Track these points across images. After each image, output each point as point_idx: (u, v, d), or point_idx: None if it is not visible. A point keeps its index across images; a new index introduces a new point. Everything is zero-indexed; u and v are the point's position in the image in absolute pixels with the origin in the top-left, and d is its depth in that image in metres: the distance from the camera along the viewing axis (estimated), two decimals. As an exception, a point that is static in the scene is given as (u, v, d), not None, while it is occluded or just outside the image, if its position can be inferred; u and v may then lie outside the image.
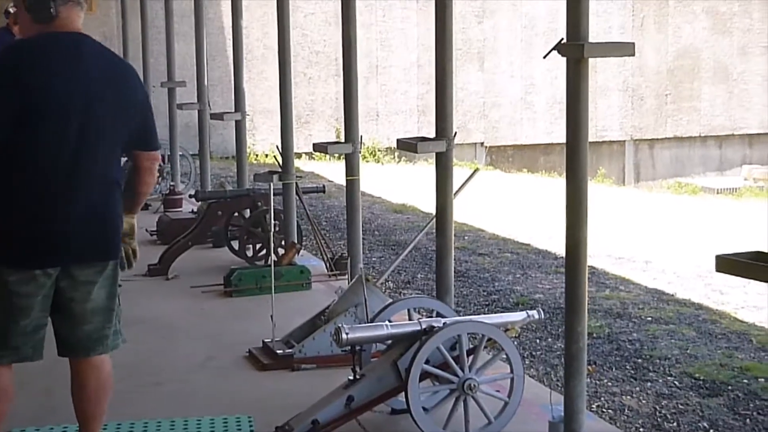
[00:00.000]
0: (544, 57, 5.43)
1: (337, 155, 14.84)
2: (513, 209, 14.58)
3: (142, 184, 4.71)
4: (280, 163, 9.08)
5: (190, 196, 11.24)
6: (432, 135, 6.68)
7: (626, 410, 6.45)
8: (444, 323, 5.20)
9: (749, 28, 22.92)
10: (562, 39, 5.04)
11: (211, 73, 13.90)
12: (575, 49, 4.96)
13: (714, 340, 7.83)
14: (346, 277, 8.11)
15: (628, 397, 6.68)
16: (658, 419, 6.31)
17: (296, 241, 8.95)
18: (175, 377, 6.33)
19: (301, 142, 18.31)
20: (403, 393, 5.06)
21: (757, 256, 3.76)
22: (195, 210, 10.60)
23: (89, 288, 4.44)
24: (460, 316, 6.05)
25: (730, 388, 6.78)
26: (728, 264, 3.83)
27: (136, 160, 4.66)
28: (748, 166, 22.81)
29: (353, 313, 6.07)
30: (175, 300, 8.19)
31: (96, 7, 19.01)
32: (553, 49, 5.05)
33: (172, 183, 12.63)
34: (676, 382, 6.90)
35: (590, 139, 5.19)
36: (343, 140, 8.21)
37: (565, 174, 5.20)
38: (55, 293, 4.38)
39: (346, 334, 5.10)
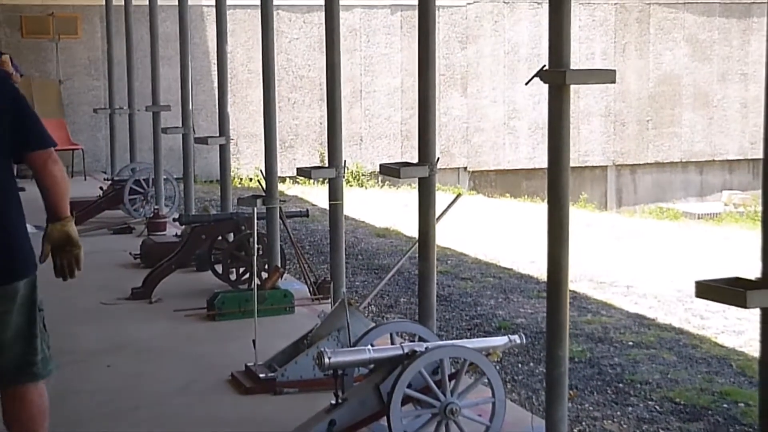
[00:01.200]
0: (527, 83, 5.49)
1: (321, 179, 14.88)
2: (495, 234, 14.62)
3: (47, 185, 4.31)
4: (264, 187, 9.10)
5: (174, 220, 11.24)
6: (415, 159, 6.72)
7: (607, 434, 6.48)
8: (426, 347, 5.22)
9: (728, 55, 23.10)
10: (545, 65, 5.10)
11: (196, 98, 13.96)
12: (557, 75, 5.01)
13: (694, 364, 7.87)
14: (329, 301, 8.12)
15: (610, 421, 6.71)
16: (639, 443, 6.34)
17: (279, 265, 8.96)
18: (157, 401, 6.32)
19: (285, 166, 18.38)
20: (385, 417, 5.08)
21: (736, 282, 3.80)
22: (179, 233, 10.61)
23: (5, 318, 4.21)
24: (442, 340, 6.07)
25: (710, 412, 6.82)
26: (708, 289, 3.87)
27: (30, 163, 4.30)
28: (728, 192, 22.96)
29: (336, 337, 6.09)
30: (158, 323, 8.18)
31: (81, 32, 19.06)
32: (536, 75, 5.10)
33: (156, 206, 12.64)
34: (657, 407, 6.94)
35: (572, 164, 5.24)
36: (326, 165, 8.24)
37: (547, 199, 5.25)
38: None
39: (329, 358, 5.12)
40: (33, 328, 4.31)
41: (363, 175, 20.58)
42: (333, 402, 5.20)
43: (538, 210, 16.99)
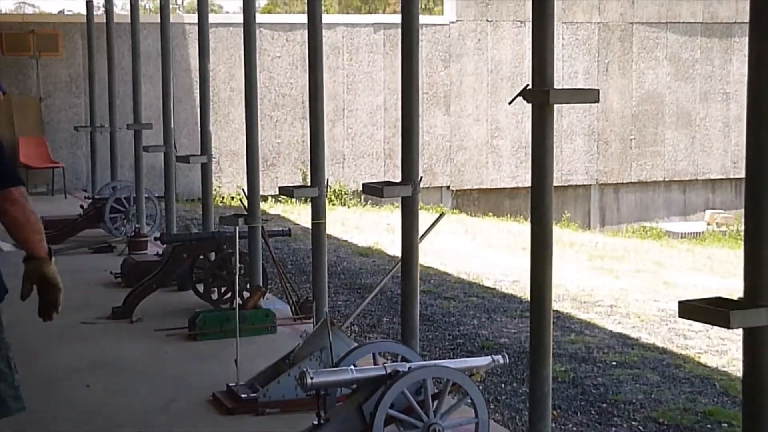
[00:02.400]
0: (510, 103, 5.49)
1: (303, 198, 14.86)
2: (479, 253, 14.60)
3: (7, 227, 4.05)
4: (246, 206, 9.06)
5: (156, 239, 11.19)
6: (398, 178, 6.70)
7: (591, 455, 6.45)
8: (409, 368, 5.19)
9: (710, 74, 23.21)
10: (528, 85, 5.09)
11: (177, 116, 13.93)
12: (540, 95, 5.01)
13: (678, 384, 7.85)
14: (312, 320, 8.09)
15: (593, 441, 6.69)
16: (623, 464, 6.31)
17: (261, 285, 8.92)
18: (137, 421, 6.27)
19: (267, 185, 18.35)
20: (368, 438, 5.04)
21: (719, 302, 3.79)
22: (160, 252, 10.55)
23: None
24: (425, 360, 6.04)
25: (693, 432, 6.81)
26: (691, 310, 3.86)
27: None
28: (710, 211, 23.03)
29: (318, 357, 6.05)
30: (139, 343, 8.13)
31: (62, 49, 19.01)
32: (519, 95, 5.10)
33: (137, 225, 12.59)
34: (641, 427, 6.91)
35: (555, 183, 5.23)
36: (309, 183, 8.21)
37: (530, 218, 5.23)
38: None
39: (311, 378, 5.08)
40: None
41: (345, 193, 20.56)
42: (315, 422, 5.16)
43: (522, 229, 17.01)
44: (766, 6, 3.70)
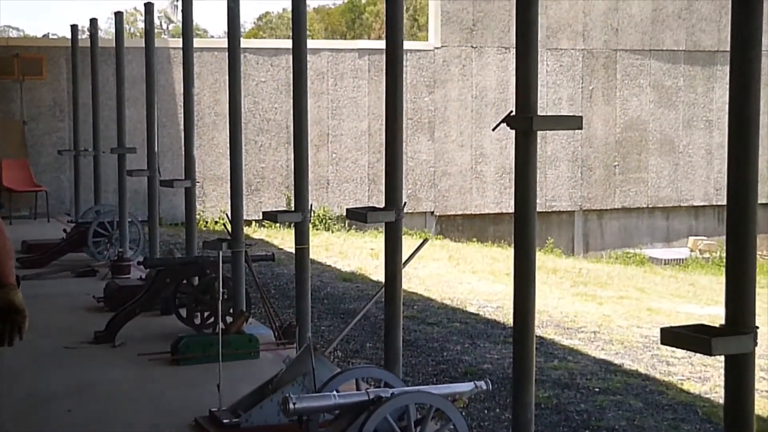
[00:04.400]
0: (494, 129, 5.50)
1: (287, 223, 14.86)
2: (462, 279, 14.61)
3: None
4: (230, 230, 9.05)
5: (139, 263, 11.16)
6: (382, 203, 6.71)
7: (574, 482, 6.44)
8: (392, 393, 5.18)
9: (693, 102, 23.35)
10: (512, 111, 5.11)
11: (162, 140, 13.92)
12: (524, 121, 5.03)
13: (661, 411, 7.86)
14: (295, 345, 8.07)
15: (576, 468, 6.68)
16: (606, 491, 6.30)
17: (244, 309, 8.90)
18: (120, 447, 6.24)
19: (251, 210, 18.34)
20: (351, 464, 5.03)
21: (701, 329, 3.81)
22: (143, 276, 10.53)
23: None
24: (408, 386, 6.03)
25: (676, 459, 6.81)
26: (673, 336, 3.88)
27: None
28: (693, 238, 23.11)
29: (301, 382, 6.04)
30: (122, 367, 8.09)
31: (46, 73, 19.00)
32: (503, 121, 5.12)
33: (120, 249, 12.56)
34: (624, 454, 6.91)
35: (539, 209, 5.25)
36: (293, 208, 8.21)
37: (513, 245, 5.24)
38: None
39: (294, 403, 5.07)
40: None
41: (329, 218, 20.56)
42: (297, 449, 5.14)
43: (505, 255, 17.02)
44: (746, 36, 3.73)
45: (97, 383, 7.63)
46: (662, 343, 3.91)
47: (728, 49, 3.83)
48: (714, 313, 11.43)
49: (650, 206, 23.29)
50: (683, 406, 8.00)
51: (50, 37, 22.47)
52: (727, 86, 3.85)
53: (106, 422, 6.72)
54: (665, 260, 21.40)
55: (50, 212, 17.66)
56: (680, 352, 9.27)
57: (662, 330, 3.90)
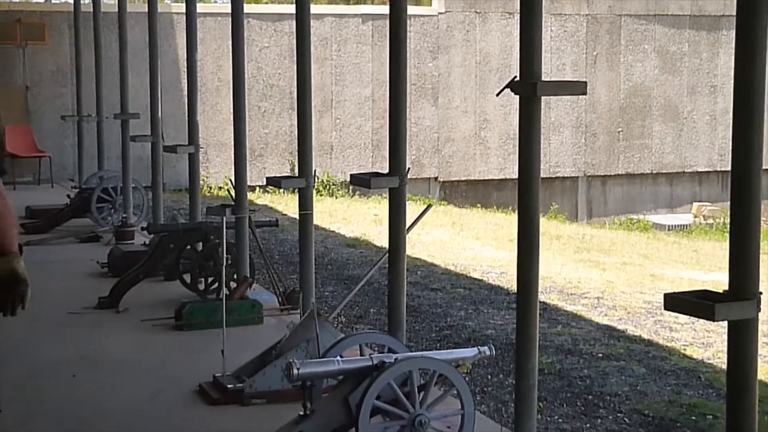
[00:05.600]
0: (497, 95, 5.49)
1: (290, 189, 14.86)
2: (466, 244, 14.62)
3: None
4: (234, 196, 9.05)
5: (143, 229, 11.15)
6: (386, 169, 6.70)
7: (576, 447, 6.47)
8: (395, 359, 5.19)
9: (698, 68, 23.26)
10: (515, 77, 5.09)
11: (165, 106, 13.88)
12: (528, 87, 5.01)
13: (663, 377, 7.88)
14: (298, 311, 8.09)
15: (579, 433, 6.70)
16: (608, 456, 6.33)
17: (248, 275, 8.91)
18: (123, 412, 6.26)
19: (254, 176, 18.31)
20: (354, 429, 5.04)
21: (705, 294, 3.81)
22: (147, 242, 10.53)
23: None
24: (411, 351, 6.04)
25: (678, 425, 6.83)
26: (677, 302, 3.89)
27: None
28: (697, 203, 23.09)
29: (305, 348, 6.05)
30: (125, 333, 8.12)
31: (48, 38, 18.94)
32: (506, 86, 5.10)
33: (124, 215, 12.55)
34: (626, 419, 6.93)
35: (543, 175, 5.24)
36: (296, 174, 8.21)
37: (517, 211, 5.24)
38: None
39: (297, 369, 5.08)
40: None
41: (333, 184, 20.56)
42: (301, 413, 5.16)
43: (509, 221, 17.03)
44: (753, 0, 3.72)
45: (100, 349, 7.65)
46: (666, 308, 3.92)
47: (733, 14, 3.81)
48: (717, 279, 11.44)
49: (654, 172, 23.25)
50: (686, 372, 8.02)
51: (52, 2, 22.37)
52: (732, 52, 3.84)
53: (109, 388, 6.74)
54: (669, 226, 21.38)
55: (53, 178, 17.67)
56: (683, 318, 9.28)
57: (666, 296, 3.90)
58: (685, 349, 8.79)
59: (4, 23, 18.70)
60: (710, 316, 3.76)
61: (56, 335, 8.03)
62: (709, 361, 8.39)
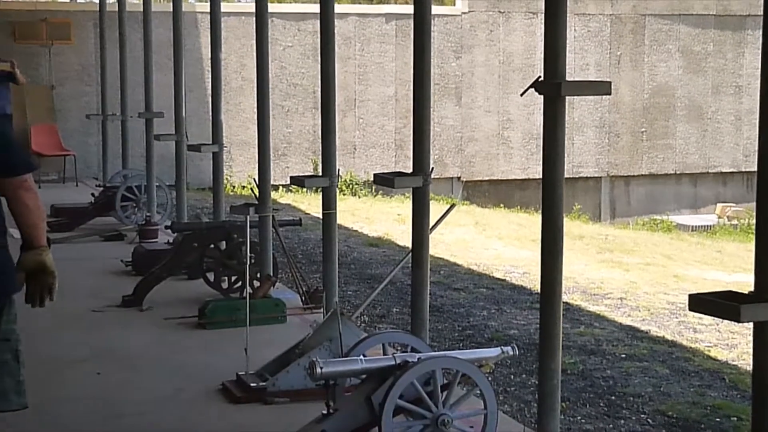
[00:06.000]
0: (522, 94, 5.49)
1: (313, 188, 14.87)
2: (488, 244, 14.60)
3: (17, 213, 4.08)
4: (257, 195, 9.07)
5: (166, 227, 11.20)
6: (409, 169, 6.70)
7: (599, 447, 6.45)
8: (418, 358, 5.19)
9: (722, 67, 23.15)
10: (540, 77, 5.09)
11: (188, 105, 13.91)
12: (552, 87, 5.00)
13: (687, 377, 7.85)
14: (321, 310, 8.10)
15: (602, 434, 6.68)
16: (631, 457, 6.31)
17: (271, 274, 8.93)
18: (145, 409, 6.28)
19: (277, 175, 18.35)
20: (377, 428, 5.04)
21: (730, 295, 3.79)
22: (170, 241, 10.57)
23: None
24: (434, 351, 6.04)
25: (702, 426, 6.80)
26: (701, 303, 3.86)
27: (2, 190, 4.09)
28: (721, 204, 22.98)
29: (328, 347, 6.06)
30: (149, 331, 8.15)
31: (74, 38, 19.02)
32: (531, 86, 5.10)
33: (147, 214, 12.60)
34: (649, 420, 6.91)
35: (566, 175, 5.23)
36: (320, 173, 8.21)
37: (541, 210, 5.23)
38: None
39: (321, 368, 5.08)
40: None
41: (356, 184, 20.56)
42: (324, 412, 5.17)
43: (531, 221, 16.99)
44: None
45: (123, 347, 7.69)
46: (690, 309, 3.90)
47: (759, 13, 3.79)
48: (741, 281, 11.38)
49: (677, 173, 23.15)
50: (710, 373, 7.99)
51: (78, 1, 22.47)
52: (758, 51, 3.82)
53: (132, 385, 6.77)
54: (692, 227, 21.29)
55: (78, 176, 17.74)
56: (707, 319, 9.24)
57: (690, 296, 3.88)
58: (709, 351, 8.75)
59: (31, 23, 18.79)
60: (736, 318, 3.73)
61: (80, 332, 8.07)
62: (734, 363, 8.35)
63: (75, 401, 6.44)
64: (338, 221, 8.40)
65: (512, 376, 7.78)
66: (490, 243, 14.78)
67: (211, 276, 9.24)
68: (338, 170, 8.13)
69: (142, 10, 13.82)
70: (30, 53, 18.78)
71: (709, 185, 23.47)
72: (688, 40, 22.89)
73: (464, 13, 21.41)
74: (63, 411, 6.22)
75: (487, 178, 21.88)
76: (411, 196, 6.70)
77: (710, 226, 21.52)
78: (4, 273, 4.10)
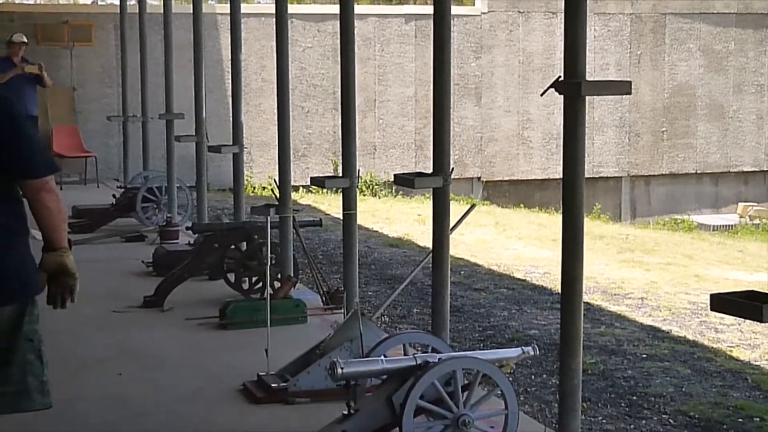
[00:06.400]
0: (542, 94, 5.48)
1: (333, 189, 14.89)
2: (509, 244, 14.58)
3: (39, 216, 4.11)
4: (277, 196, 9.08)
5: (187, 228, 11.22)
6: (429, 169, 6.70)
7: (621, 448, 6.44)
8: (439, 359, 5.19)
9: (744, 66, 23.04)
10: (560, 76, 5.08)
11: (208, 106, 13.94)
12: (573, 87, 4.99)
13: (709, 378, 7.82)
14: (342, 311, 8.10)
15: (623, 434, 6.67)
16: (653, 457, 6.29)
17: (292, 275, 8.94)
18: (166, 409, 6.30)
19: (298, 175, 18.36)
20: (397, 428, 5.05)
21: (752, 295, 3.78)
22: (191, 242, 10.59)
23: None
24: (455, 351, 6.04)
25: (724, 427, 6.77)
26: (723, 303, 3.85)
27: (23, 191, 4.12)
28: (743, 203, 22.88)
29: (348, 347, 6.06)
30: (170, 332, 8.17)
31: (95, 40, 19.10)
32: (551, 86, 5.09)
33: (168, 215, 12.64)
34: (671, 420, 6.89)
35: (586, 175, 5.22)
36: (340, 174, 8.22)
37: (562, 210, 5.22)
38: None
39: (342, 368, 5.09)
40: (9, 356, 4.07)
41: (376, 184, 20.57)
42: (345, 413, 5.17)
43: (552, 221, 16.97)
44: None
45: (145, 347, 7.71)
46: (712, 309, 3.89)
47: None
48: (763, 280, 11.33)
49: (698, 172, 23.07)
50: (732, 374, 7.96)
51: (99, 3, 22.56)
52: (780, 50, 3.80)
53: (153, 385, 6.79)
54: (713, 226, 21.20)
55: (99, 178, 17.80)
56: (729, 319, 9.20)
57: (712, 296, 3.87)
58: (731, 351, 8.72)
59: (52, 25, 18.88)
60: (758, 317, 3.72)
61: (102, 333, 8.10)
62: (756, 363, 8.32)
63: (96, 401, 6.47)
64: (358, 222, 8.41)
65: (533, 377, 7.77)
66: (511, 243, 14.76)
67: (231, 277, 9.25)
68: (358, 171, 8.13)
69: (162, 11, 13.87)
70: (52, 55, 18.84)
71: (731, 185, 23.37)
72: (709, 38, 22.80)
73: (484, 13, 21.39)
74: (85, 411, 6.25)
75: (507, 179, 21.86)
76: (431, 197, 6.70)
77: (732, 225, 21.42)
78: (26, 274, 4.13)
